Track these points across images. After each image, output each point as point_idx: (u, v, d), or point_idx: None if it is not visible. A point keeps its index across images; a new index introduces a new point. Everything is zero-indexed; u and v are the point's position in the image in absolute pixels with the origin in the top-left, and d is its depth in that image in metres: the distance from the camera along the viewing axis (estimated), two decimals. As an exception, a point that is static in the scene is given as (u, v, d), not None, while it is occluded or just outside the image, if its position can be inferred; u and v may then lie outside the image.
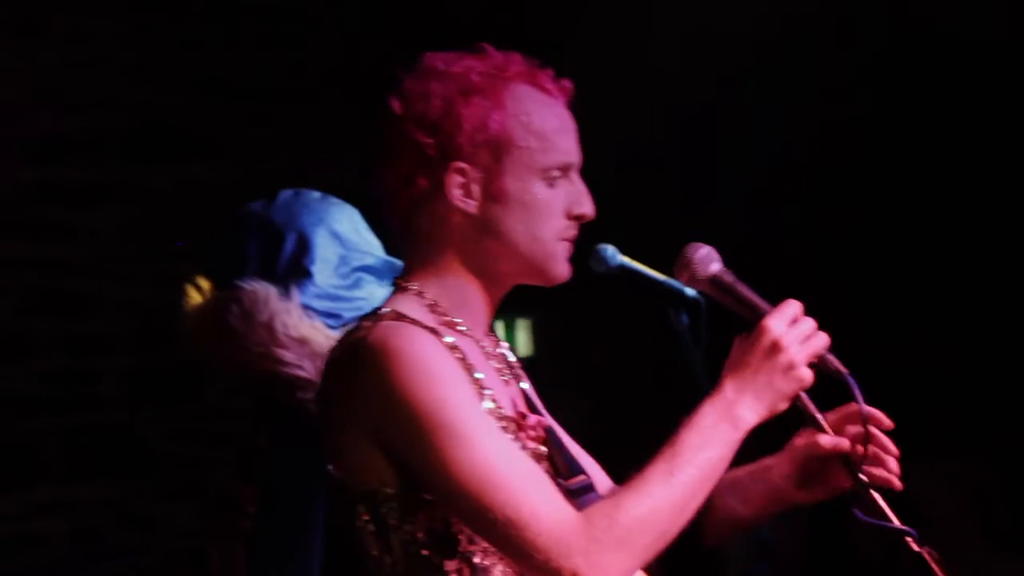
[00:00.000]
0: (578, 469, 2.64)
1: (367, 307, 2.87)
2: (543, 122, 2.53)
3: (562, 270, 2.56)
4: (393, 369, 2.37)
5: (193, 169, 6.09)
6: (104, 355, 5.87)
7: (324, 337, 3.13)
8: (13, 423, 5.80)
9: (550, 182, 2.53)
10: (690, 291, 3.83)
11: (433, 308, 2.53)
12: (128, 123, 6.02)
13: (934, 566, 2.44)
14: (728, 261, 2.66)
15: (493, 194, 2.51)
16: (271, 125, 6.16)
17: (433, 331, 2.46)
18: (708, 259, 2.62)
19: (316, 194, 3.39)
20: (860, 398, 2.52)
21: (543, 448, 2.59)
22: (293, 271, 3.24)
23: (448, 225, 2.53)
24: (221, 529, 3.33)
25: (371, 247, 3.34)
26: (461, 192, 2.51)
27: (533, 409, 2.66)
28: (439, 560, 2.44)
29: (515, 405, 2.58)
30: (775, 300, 2.54)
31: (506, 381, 2.61)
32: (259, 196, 3.36)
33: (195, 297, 3.29)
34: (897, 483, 2.59)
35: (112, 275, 5.62)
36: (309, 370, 3.13)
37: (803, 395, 2.54)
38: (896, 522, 2.48)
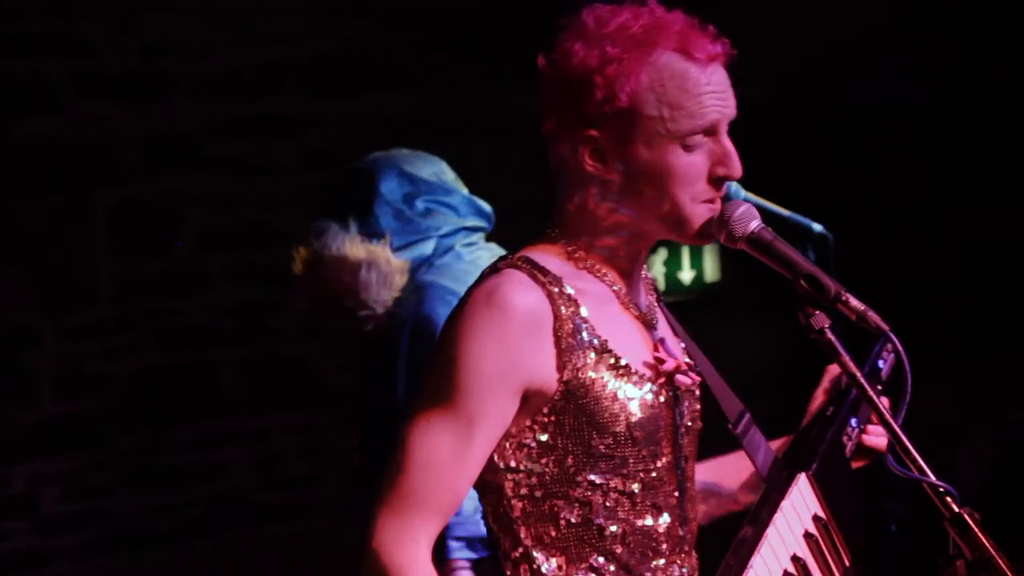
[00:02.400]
0: (734, 404, 2.70)
1: (437, 232, 3.67)
2: (680, 90, 2.51)
3: (703, 232, 2.55)
4: (466, 320, 2.48)
5: (375, 101, 6.12)
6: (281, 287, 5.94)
7: (364, 251, 3.66)
8: (191, 355, 5.88)
9: (689, 147, 2.52)
10: (817, 226, 3.85)
11: (572, 254, 2.58)
12: (309, 55, 6.07)
13: (974, 526, 2.37)
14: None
15: (627, 160, 2.52)
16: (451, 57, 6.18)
17: (556, 281, 2.51)
18: (746, 217, 2.54)
19: (404, 150, 3.86)
20: (904, 355, 2.48)
21: (695, 392, 2.64)
22: (361, 208, 3.73)
23: (586, 185, 2.57)
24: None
25: (453, 190, 3.81)
26: (594, 158, 2.53)
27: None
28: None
29: (658, 359, 2.58)
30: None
31: (653, 326, 2.63)
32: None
33: (299, 260, 3.80)
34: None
35: (292, 207, 5.66)
36: (346, 279, 3.65)
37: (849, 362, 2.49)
38: (933, 478, 2.42)
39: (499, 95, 5.57)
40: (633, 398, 2.52)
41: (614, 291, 2.58)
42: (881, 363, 2.87)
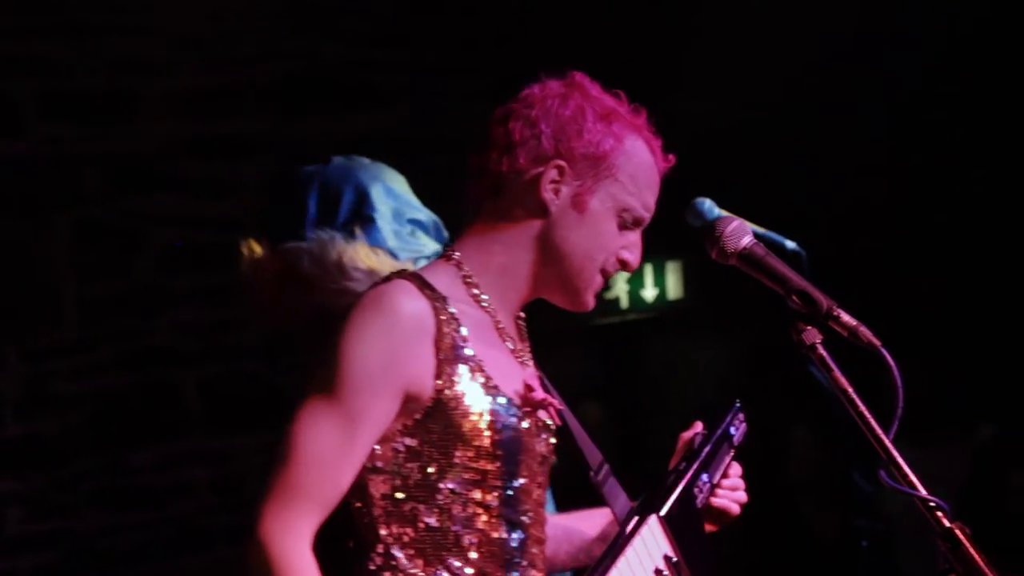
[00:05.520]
0: (595, 454, 2.81)
1: (421, 254, 3.30)
2: (643, 174, 2.72)
3: (589, 299, 2.73)
4: (356, 322, 2.58)
5: (337, 122, 6.14)
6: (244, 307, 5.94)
7: (390, 267, 3.32)
8: (154, 375, 5.88)
9: (621, 223, 2.72)
10: (790, 243, 3.87)
11: (465, 279, 2.71)
12: (272, 77, 6.08)
13: (964, 540, 2.38)
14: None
15: (576, 204, 2.69)
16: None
17: (440, 298, 2.63)
18: (739, 232, 2.61)
19: (366, 160, 3.64)
20: (896, 371, 2.50)
21: (552, 427, 2.75)
22: (355, 219, 3.46)
23: (524, 210, 2.70)
24: None
25: (419, 206, 3.59)
26: (552, 187, 2.68)
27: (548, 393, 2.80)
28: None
29: (528, 387, 2.69)
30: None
31: (523, 363, 2.76)
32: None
33: (250, 258, 3.48)
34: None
35: (255, 228, 5.65)
36: (358, 281, 3.30)
37: None
38: (925, 493, 2.43)
39: (462, 113, 5.59)
40: (499, 418, 2.63)
41: (495, 321, 2.72)
42: (733, 429, 2.94)
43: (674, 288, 6.93)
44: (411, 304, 2.59)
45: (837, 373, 2.49)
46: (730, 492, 2.90)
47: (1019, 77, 6.21)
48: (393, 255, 3.42)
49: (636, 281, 6.85)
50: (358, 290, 3.30)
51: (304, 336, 3.59)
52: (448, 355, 2.59)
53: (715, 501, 2.88)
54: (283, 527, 2.52)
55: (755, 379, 6.62)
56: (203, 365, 5.96)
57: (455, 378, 2.60)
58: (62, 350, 5.71)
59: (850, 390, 2.48)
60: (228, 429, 5.97)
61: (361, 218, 3.49)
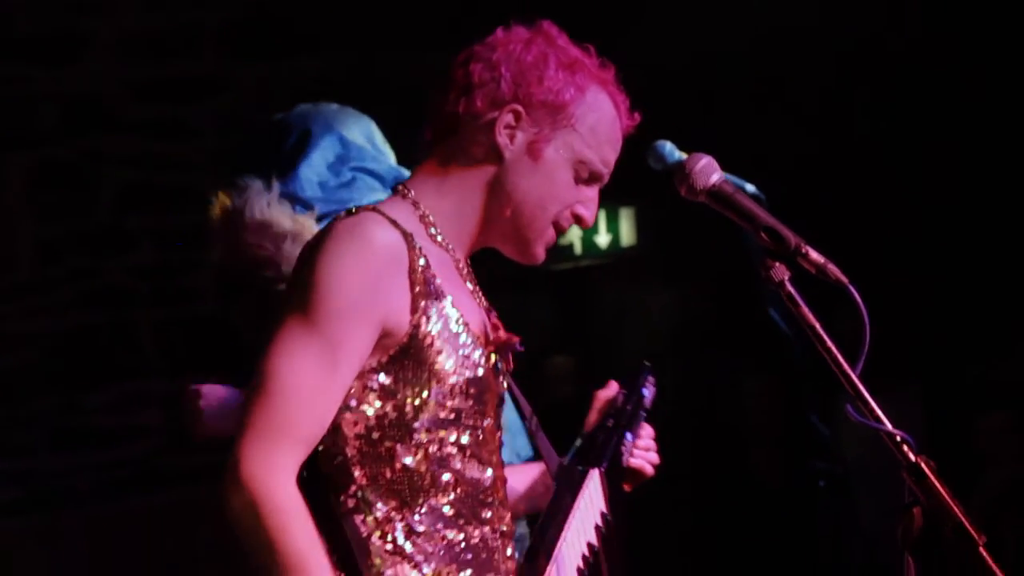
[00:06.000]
0: (527, 407, 2.81)
1: (354, 204, 3.02)
2: (604, 129, 2.67)
3: (539, 252, 2.68)
4: (332, 250, 2.48)
5: (291, 63, 6.13)
6: (201, 249, 5.95)
7: (291, 220, 3.34)
8: (111, 316, 5.88)
9: (577, 176, 2.66)
10: (750, 187, 3.89)
11: (422, 218, 2.64)
12: (226, 18, 6.07)
13: (929, 474, 2.39)
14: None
15: (531, 151, 2.64)
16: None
17: (408, 234, 2.55)
18: (707, 170, 2.61)
19: (334, 105, 3.64)
20: (862, 307, 2.49)
21: (505, 370, 2.70)
22: (284, 165, 3.48)
23: (477, 154, 2.65)
24: None
25: (381, 155, 3.58)
26: (508, 132, 2.63)
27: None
28: None
29: (494, 326, 2.67)
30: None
31: (478, 303, 2.70)
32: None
33: (221, 207, 3.47)
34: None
35: (210, 169, 5.65)
36: (268, 248, 3.33)
37: None
38: (890, 427, 2.43)
39: (411, 60, 5.59)
40: (470, 356, 2.59)
41: (455, 260, 2.67)
42: (645, 391, 2.94)
43: (627, 235, 6.96)
44: (386, 235, 2.52)
45: (805, 309, 2.49)
46: (644, 453, 2.90)
47: (982, 20, 6.20)
48: (307, 205, 3.43)
49: (589, 228, 6.87)
50: (247, 240, 3.33)
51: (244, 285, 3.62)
52: (423, 289, 2.54)
53: (632, 461, 2.88)
54: (268, 466, 2.39)
55: (708, 325, 6.67)
56: (158, 306, 5.97)
57: (429, 314, 2.55)
58: (18, 290, 5.71)
59: (818, 326, 2.48)
60: (183, 371, 5.98)
61: (288, 165, 3.50)
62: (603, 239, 7.07)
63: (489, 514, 2.63)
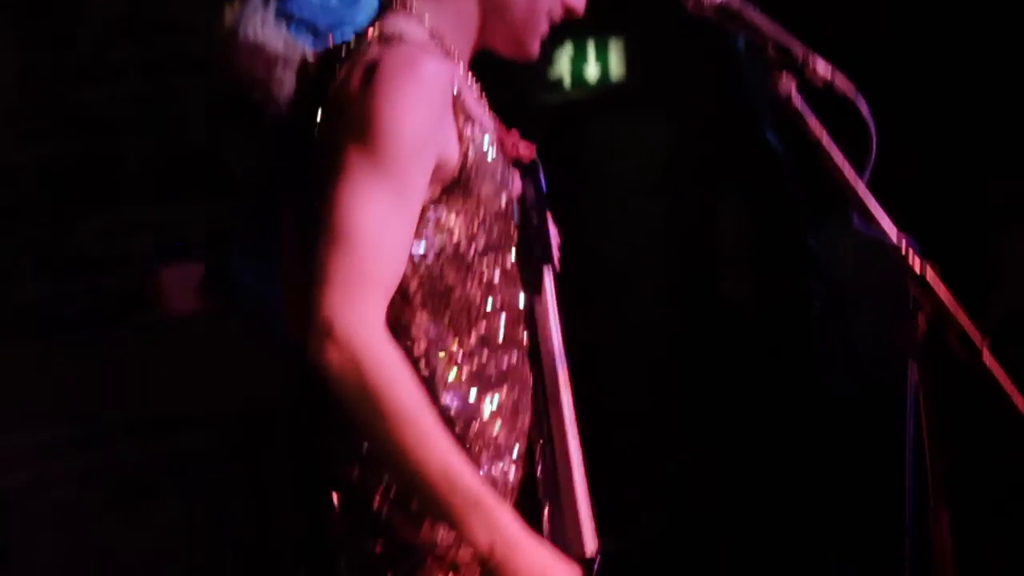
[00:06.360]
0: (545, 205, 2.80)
1: (353, 23, 3.08)
2: None
3: (535, 47, 2.71)
4: (392, 87, 2.43)
5: None
6: (189, 76, 5.91)
7: (283, 43, 3.28)
8: (96, 144, 5.85)
9: None
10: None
11: (432, 33, 2.63)
12: None
13: (935, 278, 2.41)
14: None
15: None
16: None
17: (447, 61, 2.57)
18: None
19: None
20: (869, 118, 2.51)
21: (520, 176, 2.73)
22: None
23: None
24: None
25: None
26: None
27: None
28: None
29: (514, 146, 2.71)
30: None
31: (491, 115, 2.73)
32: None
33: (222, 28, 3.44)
34: None
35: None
36: (259, 71, 3.29)
37: None
38: (895, 237, 2.44)
39: None
40: (504, 176, 2.63)
41: (467, 74, 2.69)
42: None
43: (617, 67, 6.90)
44: (439, 65, 2.49)
45: (813, 122, 2.48)
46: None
47: None
48: (303, 25, 3.33)
49: (578, 61, 6.79)
50: (260, 73, 3.29)
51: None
52: (467, 116, 2.54)
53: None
54: (363, 319, 2.34)
55: (701, 159, 6.65)
56: (146, 134, 5.93)
57: (474, 139, 2.54)
58: (2, 118, 5.67)
59: (824, 139, 2.48)
60: (171, 199, 5.96)
61: None
62: (592, 71, 7.02)
63: (525, 333, 2.67)
